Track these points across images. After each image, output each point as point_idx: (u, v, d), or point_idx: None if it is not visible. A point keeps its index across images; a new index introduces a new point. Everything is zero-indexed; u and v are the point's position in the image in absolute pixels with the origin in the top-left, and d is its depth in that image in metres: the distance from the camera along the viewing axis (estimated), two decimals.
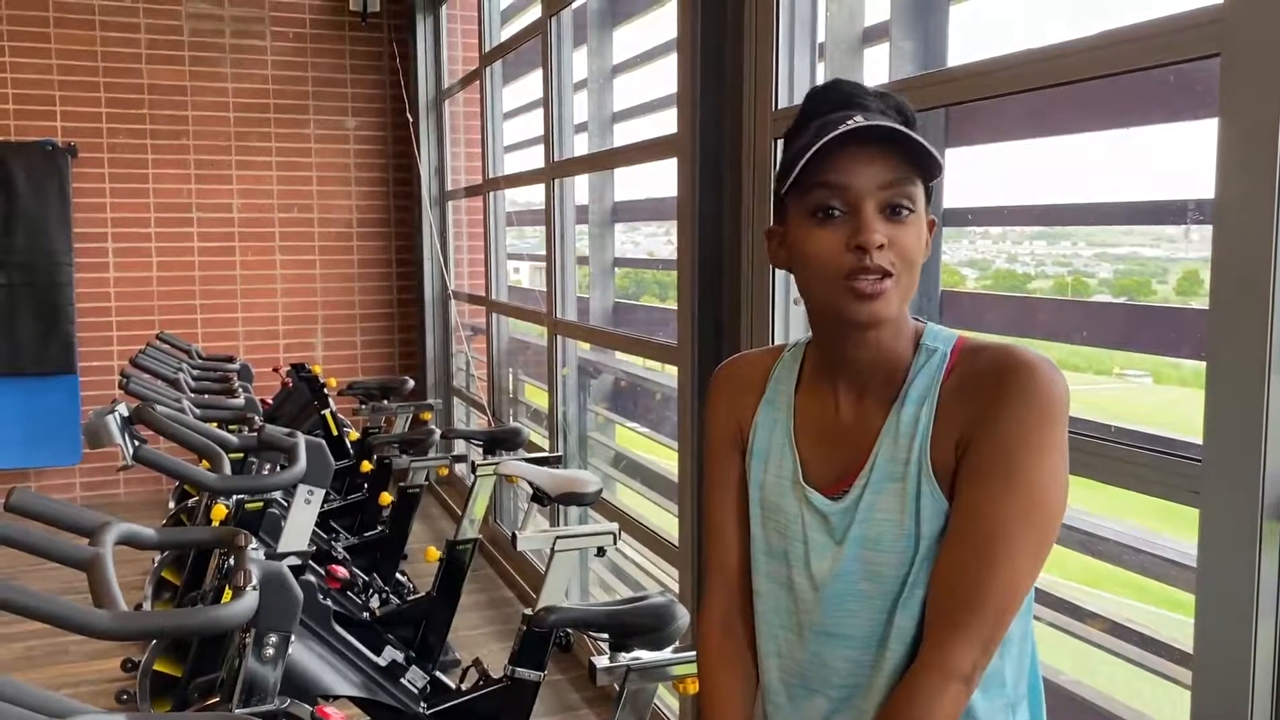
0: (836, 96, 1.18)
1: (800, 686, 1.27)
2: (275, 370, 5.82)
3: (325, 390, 4.95)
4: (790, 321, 2.58)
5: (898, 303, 1.14)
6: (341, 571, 3.07)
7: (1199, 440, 1.47)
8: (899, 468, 1.17)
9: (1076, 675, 2.10)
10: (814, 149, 1.09)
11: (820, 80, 2.53)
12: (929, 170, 1.12)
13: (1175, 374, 2.57)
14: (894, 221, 1.12)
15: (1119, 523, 2.03)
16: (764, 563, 1.30)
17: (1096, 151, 2.16)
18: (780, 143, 2.53)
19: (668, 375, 3.93)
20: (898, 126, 1.09)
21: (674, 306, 3.10)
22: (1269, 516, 1.36)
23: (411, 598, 3.72)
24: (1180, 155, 2.01)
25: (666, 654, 2.07)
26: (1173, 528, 1.95)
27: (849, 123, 1.10)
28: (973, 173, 2.43)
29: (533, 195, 5.46)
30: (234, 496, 3.01)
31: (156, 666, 3.17)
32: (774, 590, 1.29)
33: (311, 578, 2.74)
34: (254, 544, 1.92)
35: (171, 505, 4.87)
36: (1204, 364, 1.46)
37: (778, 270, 2.58)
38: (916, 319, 1.24)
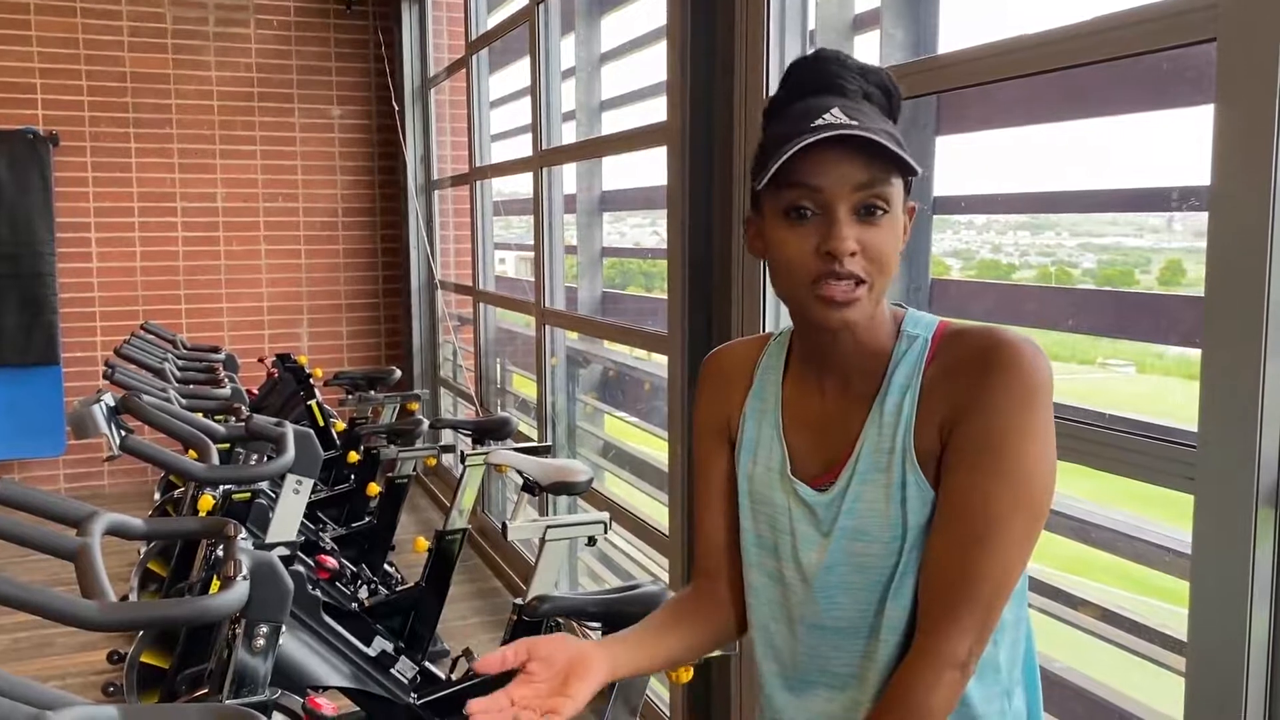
0: (817, 76, 1.15)
1: (795, 678, 1.26)
2: (261, 360, 5.79)
3: (311, 380, 4.92)
4: (781, 310, 2.58)
5: (871, 306, 1.12)
6: (330, 562, 3.06)
7: (1185, 426, 1.47)
8: (883, 457, 1.16)
9: (1066, 662, 2.11)
10: (785, 154, 1.07)
11: None
12: (907, 168, 1.10)
13: (1159, 364, 2.58)
14: (868, 223, 1.10)
15: (1106, 508, 2.03)
16: (755, 555, 1.29)
17: (1087, 139, 2.16)
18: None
19: (655, 364, 3.92)
20: (870, 135, 1.06)
21: (660, 296, 3.10)
22: (1264, 502, 1.36)
23: (400, 588, 3.71)
24: (1169, 143, 2.01)
25: None
26: (1158, 514, 1.96)
27: (825, 117, 1.08)
28: (965, 160, 2.42)
29: (519, 185, 5.44)
30: (221, 487, 2.99)
31: (143, 658, 3.15)
32: (766, 583, 1.28)
33: (300, 568, 2.72)
34: (243, 534, 1.91)
35: (157, 496, 4.84)
36: (1188, 353, 1.46)
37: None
38: (897, 305, 1.22)
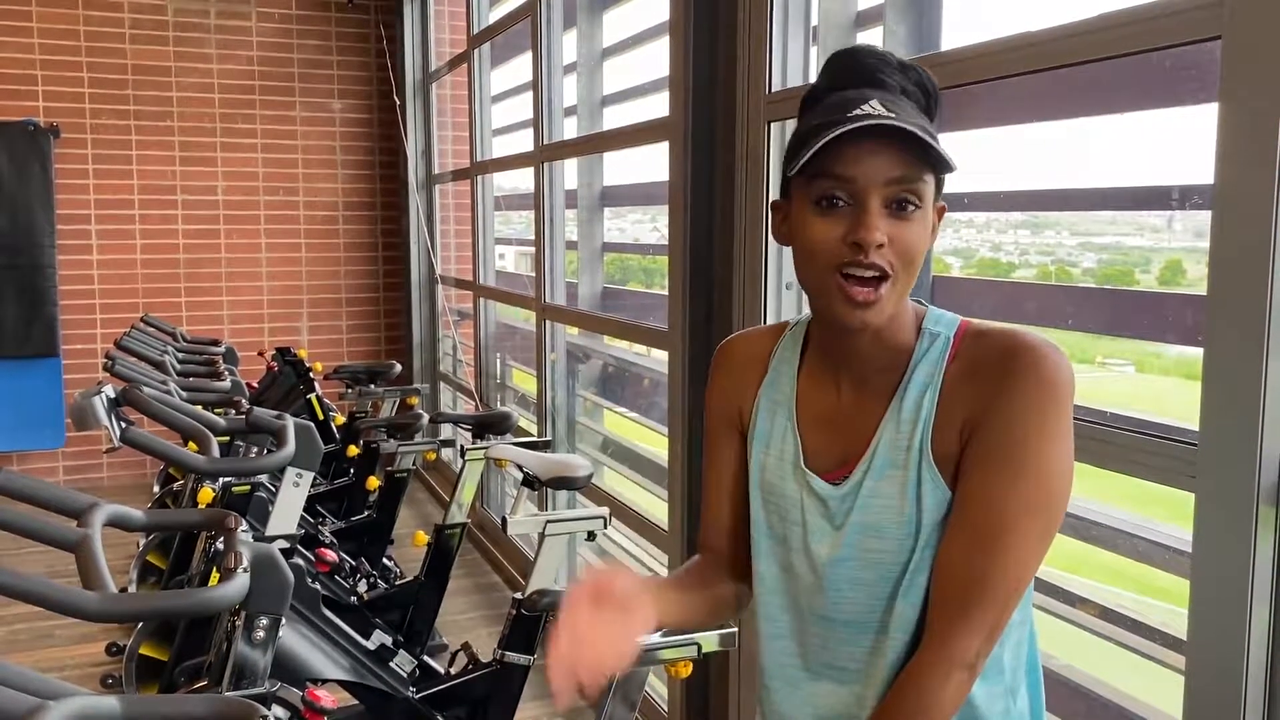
0: (857, 70, 1.14)
1: (800, 671, 1.26)
2: (260, 354, 5.78)
3: (311, 374, 4.92)
4: (783, 307, 2.58)
5: (892, 305, 1.12)
6: (330, 555, 3.05)
7: (1185, 424, 1.47)
8: (900, 454, 1.16)
9: (1066, 659, 2.11)
10: (822, 141, 1.06)
11: (813, 64, 2.52)
12: (941, 164, 1.10)
13: (1158, 363, 2.58)
14: (898, 217, 1.09)
15: (1105, 506, 2.04)
16: (765, 545, 1.28)
17: (1087, 137, 2.16)
18: (771, 126, 2.52)
19: (655, 360, 3.92)
20: (908, 126, 1.05)
21: (661, 292, 3.09)
22: (1264, 501, 1.36)
23: (399, 582, 3.71)
24: (1170, 141, 2.01)
25: (658, 638, 2.07)
26: (1157, 513, 1.96)
27: (863, 108, 1.07)
28: (966, 158, 2.42)
29: (520, 180, 5.43)
30: (221, 479, 2.99)
31: (143, 650, 3.15)
32: (775, 573, 1.28)
33: (300, 561, 2.72)
34: (243, 527, 1.91)
35: (156, 489, 4.85)
36: (1187, 352, 1.46)
37: (769, 255, 2.58)
38: (918, 302, 1.22)
